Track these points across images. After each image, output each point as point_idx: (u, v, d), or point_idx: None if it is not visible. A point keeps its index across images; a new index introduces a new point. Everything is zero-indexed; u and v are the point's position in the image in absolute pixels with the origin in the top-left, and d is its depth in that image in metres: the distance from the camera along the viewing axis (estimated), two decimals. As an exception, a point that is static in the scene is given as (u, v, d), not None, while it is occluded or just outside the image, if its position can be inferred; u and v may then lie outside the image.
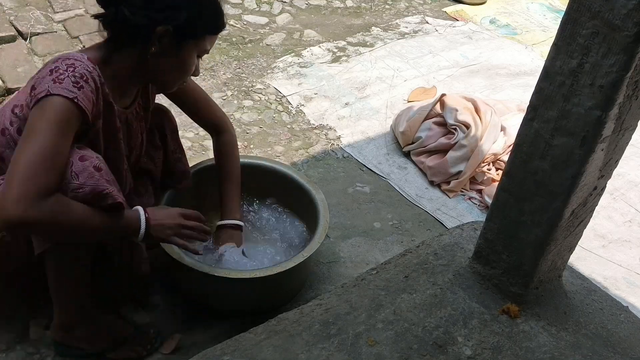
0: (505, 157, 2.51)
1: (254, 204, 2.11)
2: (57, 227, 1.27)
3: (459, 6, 4.09)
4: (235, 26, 3.40)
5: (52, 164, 1.25)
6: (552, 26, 3.99)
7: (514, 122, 2.56)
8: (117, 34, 1.42)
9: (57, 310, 1.55)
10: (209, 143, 2.55)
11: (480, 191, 2.54)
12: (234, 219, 1.85)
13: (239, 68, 3.08)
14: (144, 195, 1.77)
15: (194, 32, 1.44)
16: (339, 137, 2.74)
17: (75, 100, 1.28)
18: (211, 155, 2.45)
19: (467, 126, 2.53)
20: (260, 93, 2.93)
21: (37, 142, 1.24)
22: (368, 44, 3.48)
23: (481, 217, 2.39)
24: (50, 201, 1.23)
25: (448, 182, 2.53)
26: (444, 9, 4.03)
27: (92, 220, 1.31)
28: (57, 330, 1.59)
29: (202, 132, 2.61)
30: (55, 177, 1.25)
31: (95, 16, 1.40)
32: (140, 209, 1.45)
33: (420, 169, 2.62)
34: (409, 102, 3.01)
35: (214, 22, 1.49)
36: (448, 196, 2.51)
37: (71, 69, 1.31)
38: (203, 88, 1.90)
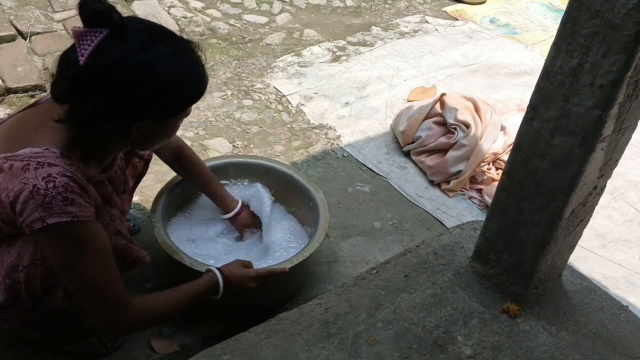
0: (505, 157, 2.51)
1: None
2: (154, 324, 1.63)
3: (459, 5, 4.08)
4: (235, 26, 3.40)
5: (109, 282, 1.30)
6: (552, 25, 3.99)
7: (514, 122, 2.56)
8: (85, 128, 1.27)
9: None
10: (209, 142, 2.57)
11: (480, 191, 2.54)
12: (237, 204, 1.95)
13: (239, 67, 3.08)
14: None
15: (175, 112, 1.34)
16: (338, 137, 2.74)
17: (75, 219, 1.22)
18: (212, 154, 2.47)
19: (467, 125, 2.53)
20: (260, 92, 2.93)
21: (83, 277, 1.28)
22: (368, 43, 3.48)
23: (481, 216, 2.39)
24: (137, 308, 1.35)
25: (448, 182, 2.53)
26: (444, 9, 4.02)
27: (180, 303, 1.47)
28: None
29: (202, 131, 2.62)
30: (120, 286, 1.32)
31: (57, 120, 1.24)
32: (218, 276, 1.54)
33: (420, 169, 2.62)
34: (408, 101, 3.01)
35: (194, 94, 1.35)
36: (448, 196, 2.51)
37: (51, 185, 1.19)
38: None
